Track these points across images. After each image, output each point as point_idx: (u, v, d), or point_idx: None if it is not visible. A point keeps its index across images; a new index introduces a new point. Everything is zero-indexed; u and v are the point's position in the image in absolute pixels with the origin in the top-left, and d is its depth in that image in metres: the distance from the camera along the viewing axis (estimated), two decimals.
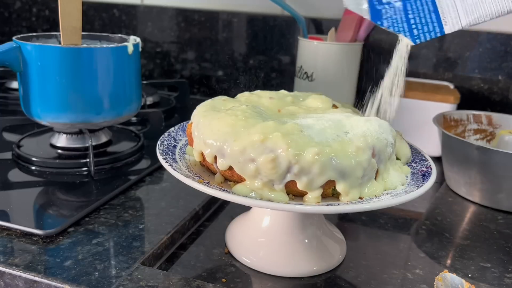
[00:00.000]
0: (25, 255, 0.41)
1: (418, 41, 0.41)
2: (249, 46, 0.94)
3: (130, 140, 0.67)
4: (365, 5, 0.43)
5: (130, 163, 0.61)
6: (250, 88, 0.91)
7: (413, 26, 0.41)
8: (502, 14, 0.38)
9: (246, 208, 0.50)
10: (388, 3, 0.42)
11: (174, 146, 0.45)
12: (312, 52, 0.73)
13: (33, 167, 0.57)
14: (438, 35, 0.40)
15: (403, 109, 0.71)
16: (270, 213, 0.44)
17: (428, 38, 0.40)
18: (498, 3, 0.38)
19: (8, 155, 0.61)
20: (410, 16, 0.41)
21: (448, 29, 0.40)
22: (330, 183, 0.36)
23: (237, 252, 0.44)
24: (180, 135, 0.48)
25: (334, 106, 0.48)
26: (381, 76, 0.78)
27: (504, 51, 0.78)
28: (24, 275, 0.38)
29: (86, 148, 0.62)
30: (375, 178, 0.39)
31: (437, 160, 0.68)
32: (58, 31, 0.58)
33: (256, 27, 0.92)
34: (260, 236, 0.44)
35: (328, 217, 0.52)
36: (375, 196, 0.38)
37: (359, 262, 0.45)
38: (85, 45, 0.58)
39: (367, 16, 0.43)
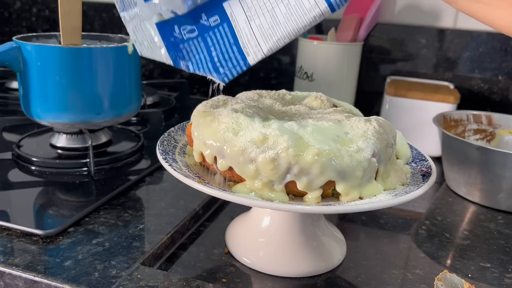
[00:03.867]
0: (25, 255, 0.41)
1: (226, 79, 0.39)
2: None
3: (130, 140, 0.67)
4: (163, 50, 0.39)
5: (130, 163, 0.61)
6: (250, 88, 0.91)
7: (217, 63, 0.38)
8: (299, 31, 0.37)
9: (246, 208, 0.50)
10: (188, 40, 0.39)
11: (174, 146, 0.45)
12: (312, 52, 0.73)
13: (33, 167, 0.57)
14: (244, 68, 0.38)
15: (403, 109, 0.71)
16: (270, 213, 0.44)
17: (234, 73, 0.38)
18: (292, 22, 0.36)
19: (8, 155, 0.61)
20: (213, 53, 0.39)
21: (251, 59, 0.38)
22: (330, 184, 0.36)
23: (237, 252, 0.44)
24: (180, 135, 0.48)
25: (334, 106, 0.48)
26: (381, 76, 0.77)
27: (504, 51, 0.78)
28: (24, 275, 0.38)
29: (86, 148, 0.62)
30: (375, 178, 0.39)
31: (437, 160, 0.68)
32: (58, 31, 0.58)
33: None
34: (260, 236, 0.44)
35: (328, 217, 0.52)
36: (375, 196, 0.38)
37: (359, 262, 0.45)
38: (85, 45, 0.58)
39: (168, 61, 0.39)
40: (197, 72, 0.39)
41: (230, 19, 0.38)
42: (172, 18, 0.39)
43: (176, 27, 0.39)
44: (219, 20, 0.38)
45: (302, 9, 0.36)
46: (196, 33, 0.39)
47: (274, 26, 0.37)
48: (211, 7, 0.39)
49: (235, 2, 0.38)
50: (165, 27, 0.39)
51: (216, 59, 0.38)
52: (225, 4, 0.38)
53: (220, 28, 0.38)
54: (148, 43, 0.40)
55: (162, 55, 0.39)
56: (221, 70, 0.38)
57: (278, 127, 0.37)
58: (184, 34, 0.39)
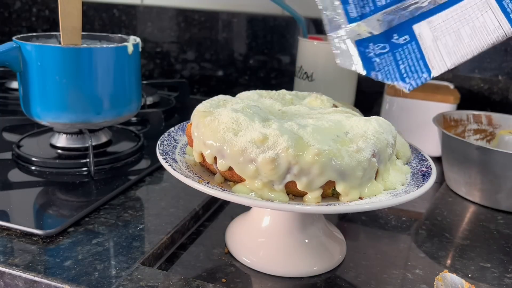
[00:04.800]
0: (25, 255, 0.41)
1: (411, 88, 0.44)
2: (249, 46, 0.94)
3: (130, 140, 0.67)
4: (359, 62, 0.46)
5: (130, 163, 0.61)
6: (250, 88, 0.91)
7: (404, 75, 0.44)
8: (482, 49, 0.41)
9: (246, 208, 0.50)
10: (379, 55, 0.46)
11: (174, 146, 0.45)
12: (312, 52, 0.73)
13: (33, 167, 0.57)
14: (428, 79, 0.43)
15: (403, 109, 0.71)
16: (270, 213, 0.44)
17: (419, 83, 0.44)
18: (476, 41, 0.41)
19: (8, 155, 0.61)
20: (401, 66, 0.44)
21: (435, 72, 0.43)
22: (330, 184, 0.36)
23: (237, 252, 0.44)
24: (180, 135, 0.48)
25: (334, 106, 0.48)
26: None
27: (504, 51, 0.78)
28: (24, 275, 0.38)
29: (86, 148, 0.62)
30: (375, 178, 0.39)
31: (437, 160, 0.68)
32: (58, 31, 0.58)
33: (256, 27, 0.92)
34: (260, 236, 0.44)
35: (328, 217, 0.52)
36: (375, 196, 0.38)
37: (359, 262, 0.45)
38: (85, 45, 0.58)
39: (362, 71, 0.46)
40: (385, 81, 0.46)
41: (418, 39, 0.44)
42: (369, 37, 0.47)
43: (371, 45, 0.46)
44: (408, 38, 0.45)
45: (487, 30, 0.40)
46: (387, 49, 0.46)
47: (459, 44, 0.42)
48: (402, 28, 0.46)
49: (424, 24, 0.44)
50: (362, 44, 0.47)
51: (403, 71, 0.44)
52: (414, 26, 0.45)
53: (409, 45, 0.45)
54: (348, 56, 0.47)
55: (357, 66, 0.46)
56: (407, 80, 0.44)
57: (278, 127, 0.37)
58: (377, 50, 0.46)
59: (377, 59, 0.46)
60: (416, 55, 0.44)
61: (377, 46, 0.46)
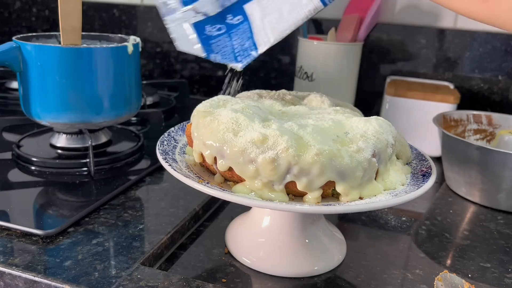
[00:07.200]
0: (25, 255, 0.41)
1: (242, 66, 0.47)
2: None
3: (130, 140, 0.67)
4: (198, 45, 0.49)
5: (130, 163, 0.61)
6: (250, 88, 0.91)
7: (237, 54, 0.48)
8: (298, 24, 0.45)
9: (246, 208, 0.50)
10: (217, 37, 0.48)
11: (174, 146, 0.45)
12: (312, 52, 0.73)
13: (33, 167, 0.57)
14: (255, 55, 0.47)
15: (403, 109, 0.71)
16: (270, 213, 0.44)
17: (248, 60, 0.47)
18: (293, 16, 0.45)
19: (8, 155, 0.61)
20: (235, 46, 0.48)
21: (261, 49, 0.47)
22: (330, 184, 0.36)
23: (237, 252, 0.44)
24: (180, 135, 0.48)
25: (334, 106, 0.48)
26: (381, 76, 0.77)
27: (504, 51, 0.78)
28: (24, 275, 0.38)
29: (86, 148, 0.62)
30: (375, 178, 0.39)
31: (437, 160, 0.68)
32: (58, 31, 0.58)
33: None
34: (260, 236, 0.44)
35: (328, 217, 0.52)
36: (375, 196, 0.38)
37: (359, 262, 0.45)
38: (85, 45, 0.58)
39: (202, 54, 0.48)
40: (224, 62, 0.48)
41: (250, 19, 0.47)
42: (205, 19, 0.49)
43: (207, 27, 0.48)
44: (242, 19, 0.48)
45: (300, 4, 0.44)
46: (224, 30, 0.48)
47: (280, 20, 0.45)
48: (235, 8, 0.48)
49: (254, 5, 0.47)
50: (199, 26, 0.49)
51: (237, 51, 0.47)
52: (245, 6, 0.48)
53: (242, 25, 0.48)
54: (186, 40, 0.49)
55: (196, 49, 0.48)
56: (239, 58, 0.47)
57: (278, 127, 0.37)
58: (214, 32, 0.48)
59: (215, 41, 0.48)
60: (247, 34, 0.47)
61: (214, 28, 0.48)
